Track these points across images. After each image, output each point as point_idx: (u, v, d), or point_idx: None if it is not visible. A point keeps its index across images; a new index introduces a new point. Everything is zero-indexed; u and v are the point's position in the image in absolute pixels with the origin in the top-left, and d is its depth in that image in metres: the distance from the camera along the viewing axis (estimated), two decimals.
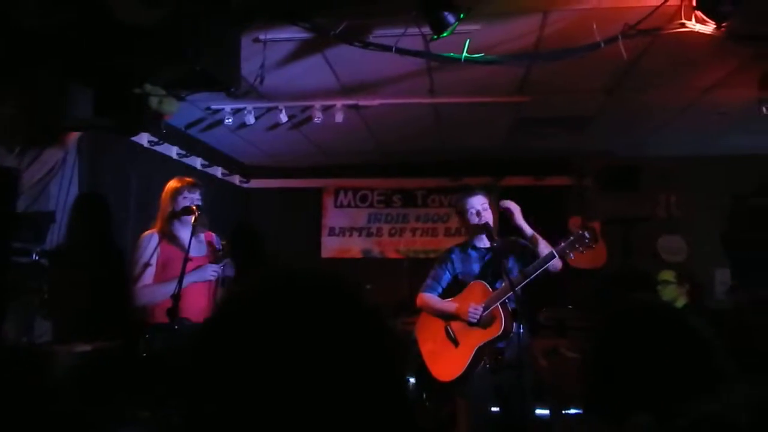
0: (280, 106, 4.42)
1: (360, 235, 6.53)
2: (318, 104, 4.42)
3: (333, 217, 6.61)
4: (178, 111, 3.13)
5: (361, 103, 4.41)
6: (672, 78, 3.86)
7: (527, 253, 3.12)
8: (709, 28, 2.68)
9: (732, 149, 5.56)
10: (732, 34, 2.71)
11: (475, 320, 3.05)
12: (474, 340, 3.06)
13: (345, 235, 6.55)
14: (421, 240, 6.40)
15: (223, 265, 3.15)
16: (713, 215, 5.83)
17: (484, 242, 3.21)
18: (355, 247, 6.51)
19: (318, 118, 4.44)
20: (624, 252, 5.79)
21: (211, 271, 3.11)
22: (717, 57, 3.46)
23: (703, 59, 3.50)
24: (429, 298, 3.29)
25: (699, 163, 5.83)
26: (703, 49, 3.29)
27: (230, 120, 4.51)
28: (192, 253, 3.02)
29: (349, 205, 6.61)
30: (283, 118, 4.48)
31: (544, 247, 3.06)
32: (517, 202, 3.21)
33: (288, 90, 4.19)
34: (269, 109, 4.53)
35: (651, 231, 5.94)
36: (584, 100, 4.38)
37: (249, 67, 3.22)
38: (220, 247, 3.20)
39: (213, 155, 5.82)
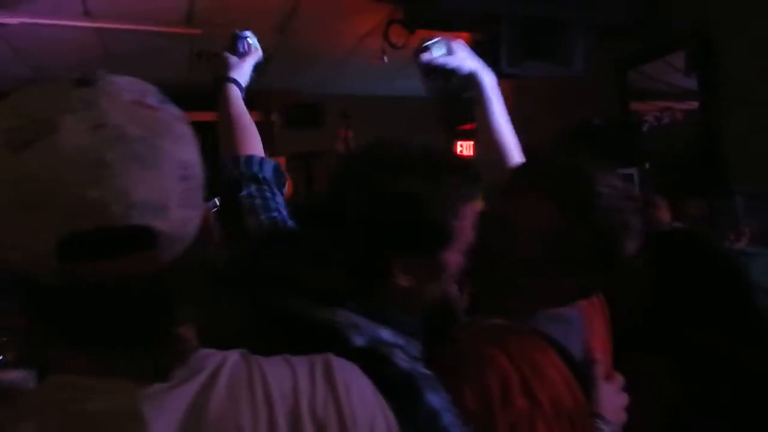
0: None
1: None
2: None
3: None
4: None
5: None
6: (331, 24, 4.12)
7: None
8: None
9: (398, 91, 6.25)
10: None
11: None
12: None
13: None
14: None
15: None
16: None
17: None
18: None
19: None
20: (307, 183, 6.18)
21: None
22: (365, 9, 3.79)
23: (354, 9, 3.81)
24: None
25: (372, 101, 6.44)
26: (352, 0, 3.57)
27: None
28: None
29: None
30: None
31: None
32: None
33: None
34: None
35: (330, 164, 6.41)
36: (259, 37, 4.40)
37: None
38: None
39: None
